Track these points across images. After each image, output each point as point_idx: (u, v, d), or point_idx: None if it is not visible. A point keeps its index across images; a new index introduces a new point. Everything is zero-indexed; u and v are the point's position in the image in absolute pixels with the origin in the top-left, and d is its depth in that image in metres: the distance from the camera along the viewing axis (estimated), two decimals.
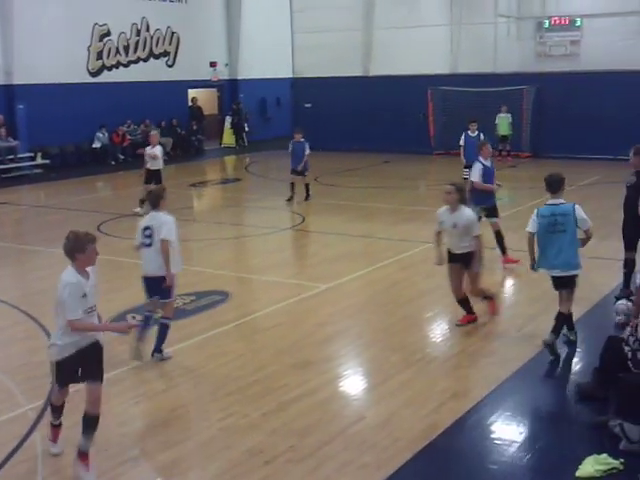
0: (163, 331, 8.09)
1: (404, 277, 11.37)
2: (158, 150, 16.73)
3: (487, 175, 11.59)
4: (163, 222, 7.91)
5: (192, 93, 30.83)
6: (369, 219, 16.15)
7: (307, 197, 17.83)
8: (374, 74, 28.65)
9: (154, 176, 16.45)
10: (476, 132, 16.79)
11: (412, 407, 6.88)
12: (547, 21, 29.42)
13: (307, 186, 17.90)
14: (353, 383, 7.69)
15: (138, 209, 16.00)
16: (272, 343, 8.69)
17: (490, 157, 11.77)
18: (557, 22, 30.31)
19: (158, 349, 8.09)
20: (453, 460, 6.06)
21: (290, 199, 17.74)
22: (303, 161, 17.69)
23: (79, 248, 5.72)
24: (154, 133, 17.73)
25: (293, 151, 18.04)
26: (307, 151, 17.77)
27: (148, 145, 17.00)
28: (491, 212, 11.70)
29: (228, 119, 31.45)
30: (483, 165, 11.61)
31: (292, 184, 17.84)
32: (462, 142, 16.98)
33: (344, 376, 7.76)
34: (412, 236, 13.88)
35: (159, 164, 16.63)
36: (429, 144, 26.47)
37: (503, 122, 24.02)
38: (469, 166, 16.61)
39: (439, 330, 9.37)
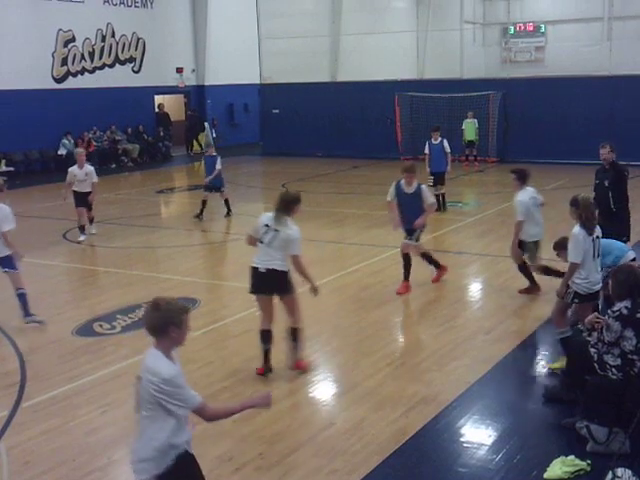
0: (22, 299, 9.46)
1: (374, 282, 11.40)
2: (90, 170, 14.72)
3: (402, 201, 10.60)
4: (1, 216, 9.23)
5: (159, 99, 30.69)
6: (339, 225, 16.18)
7: (228, 213, 16.77)
8: (341, 80, 28.77)
9: (83, 199, 14.66)
10: (439, 139, 16.51)
11: (381, 412, 6.89)
12: (512, 27, 29.81)
13: (227, 202, 16.81)
14: (322, 389, 7.68)
15: (82, 237, 14.75)
16: (242, 350, 8.66)
17: (416, 184, 10.51)
18: (522, 28, 30.73)
19: (28, 314, 9.48)
20: (423, 464, 6.07)
21: (198, 216, 16.54)
22: (214, 175, 16.45)
23: (176, 320, 4.22)
24: (80, 151, 15.56)
25: (206, 166, 16.92)
26: (219, 165, 16.49)
27: (74, 165, 14.81)
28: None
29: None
30: (398, 188, 10.67)
31: (204, 201, 16.62)
32: (427, 150, 16.70)
33: (313, 382, 7.75)
34: (382, 241, 13.92)
35: (88, 186, 14.63)
36: (397, 149, 26.60)
37: (470, 127, 24.21)
38: (433, 174, 16.46)
39: (408, 334, 9.42)
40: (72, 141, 25.90)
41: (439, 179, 16.41)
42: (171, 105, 31.57)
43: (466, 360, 8.13)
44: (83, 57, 27.24)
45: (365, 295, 10.77)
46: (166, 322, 4.19)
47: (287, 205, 7.61)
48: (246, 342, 8.90)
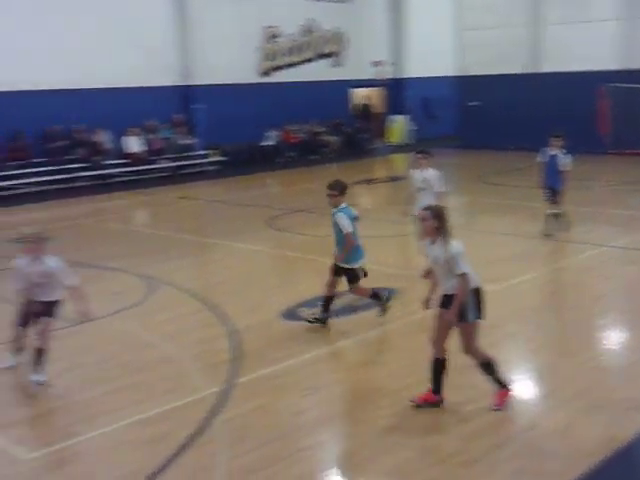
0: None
1: (578, 280, 11.01)
2: (51, 268, 7.67)
3: None
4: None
5: (360, 92, 31.23)
6: (538, 219, 15.68)
7: None
8: (541, 71, 27.83)
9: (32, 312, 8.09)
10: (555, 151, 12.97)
11: (587, 416, 6.62)
12: None
13: None
14: (525, 389, 7.47)
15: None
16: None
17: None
18: None
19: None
20: (634, 477, 5.81)
21: None
22: None
23: None
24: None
25: None
26: None
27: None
28: None
29: (393, 118, 31.64)
30: None
31: None
32: (541, 159, 13.44)
33: (516, 381, 7.55)
34: (583, 238, 13.41)
35: (51, 292, 7.78)
36: (599, 143, 25.31)
37: None
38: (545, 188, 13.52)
39: (615, 337, 8.98)
40: (275, 133, 26.98)
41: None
42: (370, 98, 32.10)
43: None
44: (287, 52, 28.27)
45: (569, 293, 10.44)
46: None
47: None
48: None
